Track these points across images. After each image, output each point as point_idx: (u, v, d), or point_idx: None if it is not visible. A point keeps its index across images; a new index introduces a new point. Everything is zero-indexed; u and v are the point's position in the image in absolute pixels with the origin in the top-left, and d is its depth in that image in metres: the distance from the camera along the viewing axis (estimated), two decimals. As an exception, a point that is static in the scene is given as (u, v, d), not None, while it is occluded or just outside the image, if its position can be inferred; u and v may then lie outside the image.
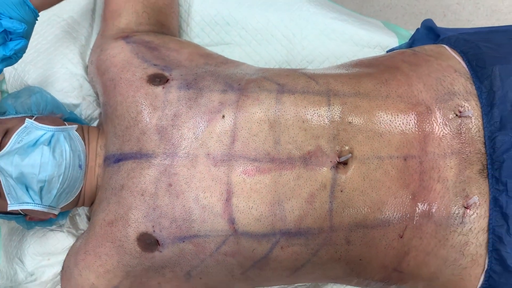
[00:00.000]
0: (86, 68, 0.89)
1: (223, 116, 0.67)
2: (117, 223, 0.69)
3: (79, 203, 0.80)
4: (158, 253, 0.68)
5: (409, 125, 0.65)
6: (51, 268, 0.84)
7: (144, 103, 0.71)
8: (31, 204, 0.73)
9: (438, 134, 0.64)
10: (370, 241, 0.65)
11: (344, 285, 0.87)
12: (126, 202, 0.69)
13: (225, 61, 0.80)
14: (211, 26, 0.94)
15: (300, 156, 0.65)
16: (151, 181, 0.67)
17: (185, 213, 0.66)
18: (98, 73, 0.79)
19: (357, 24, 0.91)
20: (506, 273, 0.62)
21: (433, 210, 0.64)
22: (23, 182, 0.71)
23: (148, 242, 0.68)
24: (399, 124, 0.65)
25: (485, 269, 0.64)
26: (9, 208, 0.73)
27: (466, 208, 0.63)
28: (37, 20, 0.75)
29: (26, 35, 0.72)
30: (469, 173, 0.63)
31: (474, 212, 0.63)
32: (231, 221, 0.65)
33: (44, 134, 0.74)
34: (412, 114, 0.65)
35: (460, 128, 0.64)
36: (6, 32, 0.70)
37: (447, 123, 0.65)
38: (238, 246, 0.66)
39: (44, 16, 0.91)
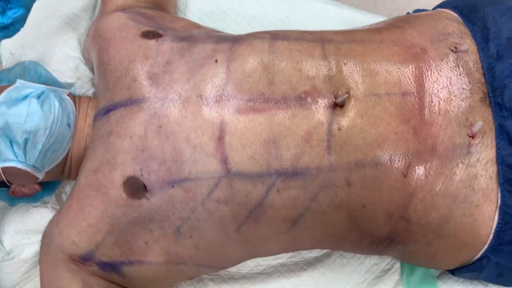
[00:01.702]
0: (83, 52, 0.90)
1: (216, 61, 0.66)
2: (103, 168, 0.65)
3: (65, 171, 0.77)
4: (145, 201, 0.63)
5: (405, 63, 0.64)
6: (31, 246, 0.79)
7: (136, 53, 0.70)
8: (15, 161, 0.69)
9: (435, 70, 0.63)
10: (372, 182, 0.61)
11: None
12: (113, 147, 0.65)
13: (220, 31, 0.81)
14: (208, 15, 0.96)
15: (296, 96, 0.63)
16: (141, 124, 0.65)
17: (175, 154, 0.62)
18: (93, 39, 0.79)
19: (351, 8, 0.94)
20: None
21: (437, 144, 0.60)
22: (8, 135, 0.68)
23: (135, 187, 0.63)
24: (395, 63, 0.64)
25: (499, 205, 0.59)
26: None
27: (471, 137, 0.60)
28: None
29: (25, 6, 0.73)
30: (471, 102, 0.61)
31: (480, 141, 0.59)
32: (224, 160, 0.61)
33: (34, 91, 0.72)
34: (408, 55, 0.65)
35: (457, 63, 0.63)
36: (6, 1, 0.72)
37: (444, 59, 0.64)
38: (231, 190, 0.62)
39: (45, 10, 0.94)
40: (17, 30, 0.76)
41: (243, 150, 0.61)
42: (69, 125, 0.73)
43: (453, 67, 0.63)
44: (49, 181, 0.80)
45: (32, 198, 0.81)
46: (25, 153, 0.70)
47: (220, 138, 0.62)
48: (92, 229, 0.66)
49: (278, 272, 0.76)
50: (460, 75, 0.62)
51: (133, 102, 0.67)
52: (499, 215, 0.60)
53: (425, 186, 0.61)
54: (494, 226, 0.61)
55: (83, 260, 0.67)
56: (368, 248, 0.70)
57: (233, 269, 0.77)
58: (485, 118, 0.60)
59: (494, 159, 0.60)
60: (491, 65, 0.62)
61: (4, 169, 0.71)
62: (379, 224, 0.64)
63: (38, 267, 0.77)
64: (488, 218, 0.60)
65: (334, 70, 0.63)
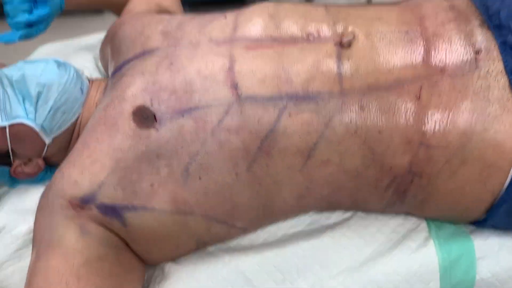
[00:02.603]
0: (99, 57, 0.96)
1: (225, 17, 0.71)
2: (112, 102, 0.65)
3: (71, 145, 0.76)
4: (154, 132, 0.62)
5: (406, 11, 0.69)
6: (26, 224, 0.73)
7: (151, 21, 0.75)
8: (24, 118, 0.70)
9: (433, 12, 0.67)
10: (385, 106, 0.61)
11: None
12: (124, 84, 0.66)
13: None
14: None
15: (303, 35, 0.66)
16: (152, 64, 0.67)
17: (186, 85, 0.63)
18: (109, 33, 0.85)
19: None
20: None
21: (445, 65, 0.62)
22: (21, 90, 0.70)
23: (144, 116, 0.63)
24: (396, 11, 0.69)
25: None
26: (1, 124, 0.69)
27: (477, 53, 0.61)
28: (61, 11, 0.86)
29: (51, 8, 0.81)
30: (471, 28, 0.64)
31: (486, 56, 0.61)
32: (234, 86, 0.62)
33: (53, 58, 0.76)
34: (408, 6, 0.70)
35: (453, 5, 0.68)
36: (33, 1, 0.81)
37: (439, 5, 0.69)
38: (242, 116, 0.61)
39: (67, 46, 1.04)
40: (40, 30, 0.83)
41: (252, 75, 0.62)
42: (82, 90, 0.75)
43: (449, 8, 0.67)
44: (53, 164, 0.78)
45: (34, 180, 0.78)
46: (36, 109, 0.70)
47: (230, 68, 0.63)
48: (96, 166, 0.62)
49: (295, 237, 0.69)
50: (457, 12, 0.66)
51: (145, 53, 0.70)
52: (521, 123, 0.58)
53: (440, 105, 0.61)
54: (518, 136, 0.58)
55: (83, 202, 0.62)
56: (390, 195, 0.65)
57: (245, 241, 0.70)
58: (487, 38, 0.63)
59: (503, 71, 0.60)
60: (483, 1, 0.67)
61: (12, 130, 0.70)
62: (397, 153, 0.62)
63: (30, 247, 0.70)
64: (510, 128, 0.58)
65: (338, 17, 0.67)
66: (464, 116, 0.60)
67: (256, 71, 0.63)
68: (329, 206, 0.70)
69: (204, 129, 0.62)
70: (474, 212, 0.66)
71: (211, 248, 0.71)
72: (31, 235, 0.70)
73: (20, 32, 0.79)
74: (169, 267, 0.69)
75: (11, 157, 0.74)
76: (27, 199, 0.76)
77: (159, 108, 0.63)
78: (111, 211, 0.63)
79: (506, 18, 0.63)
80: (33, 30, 0.81)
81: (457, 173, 0.62)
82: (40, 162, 0.76)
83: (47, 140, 0.73)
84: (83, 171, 0.63)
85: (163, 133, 0.63)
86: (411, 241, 0.67)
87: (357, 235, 0.69)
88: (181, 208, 0.64)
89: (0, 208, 0.75)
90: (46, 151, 0.74)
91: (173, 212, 0.64)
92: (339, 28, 0.66)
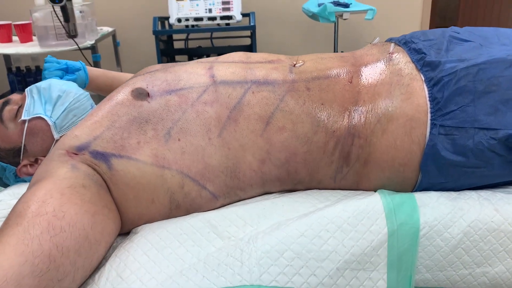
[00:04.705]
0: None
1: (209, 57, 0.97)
2: (117, 91, 0.84)
3: None
4: (146, 103, 0.80)
5: (345, 55, 0.95)
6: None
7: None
8: (43, 114, 0.89)
9: (363, 50, 0.93)
10: (326, 87, 0.82)
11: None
12: (128, 82, 0.87)
13: None
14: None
15: (266, 61, 0.91)
16: (152, 73, 0.89)
17: (175, 77, 0.85)
18: None
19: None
20: (437, 68, 0.76)
21: (368, 61, 0.85)
22: (45, 95, 0.91)
23: (140, 92, 0.81)
24: (337, 55, 0.95)
25: (423, 79, 0.77)
26: (23, 118, 0.88)
27: (390, 54, 0.85)
28: (85, 86, 1.15)
29: (77, 76, 1.11)
30: (387, 46, 0.89)
31: (397, 55, 0.84)
32: (211, 76, 0.84)
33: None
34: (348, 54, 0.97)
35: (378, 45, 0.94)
36: (65, 70, 1.11)
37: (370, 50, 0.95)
38: (216, 94, 0.81)
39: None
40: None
41: (226, 70, 0.84)
42: (91, 106, 0.95)
43: (374, 45, 0.93)
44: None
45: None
46: (53, 108, 0.89)
47: (210, 68, 0.86)
48: (95, 124, 0.78)
49: (258, 199, 0.78)
50: (380, 45, 0.92)
51: (147, 72, 0.92)
52: (428, 87, 0.76)
53: (366, 84, 0.80)
54: (427, 94, 0.75)
55: (78, 150, 0.75)
56: (337, 158, 0.78)
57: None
58: (398, 48, 0.86)
59: (410, 60, 0.82)
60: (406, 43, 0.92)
61: (30, 124, 0.88)
62: (338, 118, 0.78)
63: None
64: (420, 89, 0.77)
65: (294, 57, 0.93)
66: (385, 87, 0.79)
67: (229, 68, 0.85)
68: (288, 176, 0.80)
69: (186, 102, 0.80)
70: (409, 168, 0.76)
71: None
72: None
73: None
74: (141, 227, 0.75)
75: (21, 154, 0.89)
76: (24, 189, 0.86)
77: (152, 89, 0.82)
78: (101, 156, 0.74)
79: (410, 37, 0.88)
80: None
81: (387, 130, 0.76)
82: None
83: (56, 136, 0.88)
84: (83, 128, 0.78)
85: (153, 104, 0.80)
86: (359, 197, 0.75)
87: (312, 197, 0.77)
88: (160, 163, 0.76)
89: (2, 191, 0.85)
90: (56, 139, 0.89)
91: (153, 164, 0.75)
92: (294, 59, 0.90)
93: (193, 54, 2.59)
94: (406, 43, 0.87)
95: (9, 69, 2.55)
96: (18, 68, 2.54)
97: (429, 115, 0.75)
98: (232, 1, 2.33)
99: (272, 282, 0.65)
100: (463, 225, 0.71)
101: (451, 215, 0.71)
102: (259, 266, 0.65)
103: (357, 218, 0.70)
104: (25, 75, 2.50)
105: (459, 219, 0.71)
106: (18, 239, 0.60)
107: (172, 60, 2.64)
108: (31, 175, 0.90)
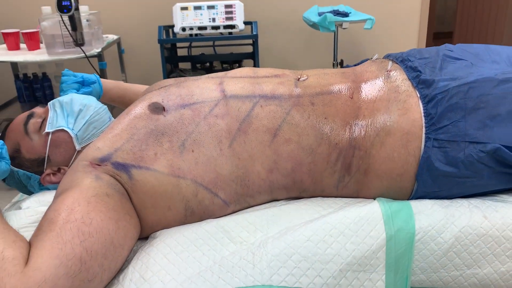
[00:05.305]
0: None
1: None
2: (134, 104, 0.90)
3: None
4: (162, 117, 0.87)
5: (346, 71, 1.02)
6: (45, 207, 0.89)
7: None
8: (65, 126, 0.95)
9: (363, 67, 1.00)
10: (329, 102, 0.89)
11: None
12: (144, 97, 0.93)
13: None
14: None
15: (272, 75, 0.98)
16: (166, 88, 0.95)
17: (188, 92, 0.92)
18: None
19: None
20: (431, 86, 0.83)
21: (367, 78, 0.92)
22: (67, 109, 0.97)
23: (156, 107, 0.88)
24: (338, 71, 1.02)
25: (419, 96, 0.84)
26: (46, 130, 0.95)
27: (388, 71, 0.91)
28: (99, 98, 1.22)
29: (93, 88, 1.18)
30: (386, 63, 0.95)
31: (394, 72, 0.91)
32: (222, 90, 0.91)
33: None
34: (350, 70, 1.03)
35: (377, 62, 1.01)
36: (81, 83, 1.17)
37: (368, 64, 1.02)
38: (226, 107, 0.88)
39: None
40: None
41: (235, 85, 0.91)
42: (110, 118, 1.01)
43: (373, 62, 1.00)
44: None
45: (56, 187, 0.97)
46: (75, 121, 0.95)
47: (220, 83, 0.92)
48: (116, 137, 0.84)
49: (267, 207, 0.85)
50: (379, 61, 0.99)
51: (161, 87, 0.99)
52: (422, 103, 0.83)
53: (366, 100, 0.87)
54: (422, 110, 0.82)
55: (101, 161, 0.81)
56: (339, 168, 0.84)
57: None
58: (395, 66, 0.93)
59: (406, 78, 0.88)
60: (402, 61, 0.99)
61: (53, 136, 0.94)
62: (340, 132, 0.85)
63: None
64: (415, 105, 0.83)
65: (298, 72, 1.00)
66: (383, 103, 0.85)
67: (238, 84, 0.92)
68: (294, 184, 0.87)
69: (199, 116, 0.86)
70: (406, 178, 0.83)
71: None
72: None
73: None
74: (159, 232, 0.82)
75: (45, 164, 0.95)
76: (50, 197, 0.92)
77: (167, 104, 0.89)
78: (122, 167, 0.81)
79: (406, 55, 0.95)
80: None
81: (385, 143, 0.83)
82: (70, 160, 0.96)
83: (78, 147, 0.95)
84: (105, 141, 0.84)
85: (168, 118, 0.86)
86: (359, 204, 0.82)
87: (317, 204, 0.84)
88: (175, 173, 0.82)
89: (28, 198, 0.92)
90: (72, 162, 0.95)
91: (169, 174, 0.82)
92: (298, 74, 0.97)
93: (196, 61, 2.66)
94: (403, 60, 0.94)
95: (16, 76, 2.62)
96: (25, 75, 2.60)
97: (424, 129, 0.82)
98: (235, 11, 2.40)
99: (282, 283, 0.72)
100: (455, 231, 0.77)
101: (443, 221, 0.78)
102: (270, 268, 0.72)
103: (358, 224, 0.76)
104: (32, 81, 2.56)
105: (451, 225, 0.78)
106: (52, 244, 0.66)
107: (175, 67, 2.70)
108: (54, 183, 0.96)
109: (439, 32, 4.77)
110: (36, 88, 2.58)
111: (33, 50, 2.39)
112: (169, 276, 0.71)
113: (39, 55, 2.26)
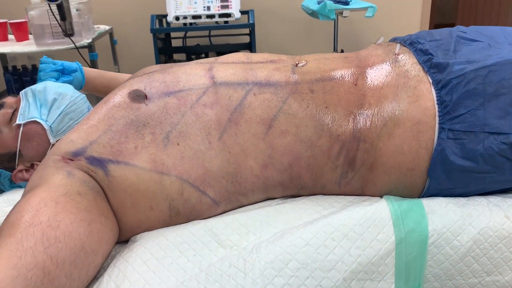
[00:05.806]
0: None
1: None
2: (114, 93, 0.81)
3: None
4: (144, 106, 0.77)
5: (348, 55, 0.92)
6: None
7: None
8: (38, 118, 0.86)
9: (367, 50, 0.91)
10: (330, 90, 0.79)
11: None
12: (125, 83, 0.84)
13: None
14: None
15: (267, 60, 0.88)
16: (150, 73, 0.86)
17: (174, 79, 0.82)
18: None
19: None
20: (445, 70, 0.74)
21: (374, 63, 0.82)
22: (40, 98, 0.88)
23: (137, 94, 0.79)
24: (341, 55, 0.92)
25: (431, 82, 0.75)
26: (17, 122, 0.85)
27: (396, 55, 0.82)
28: (81, 87, 1.12)
29: (73, 77, 1.08)
30: (393, 46, 0.86)
31: (403, 56, 0.81)
32: (211, 77, 0.82)
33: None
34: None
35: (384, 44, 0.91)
36: (61, 71, 1.08)
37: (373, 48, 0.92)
38: (216, 95, 0.78)
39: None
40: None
41: (226, 71, 0.82)
42: (88, 108, 0.92)
43: (379, 45, 0.90)
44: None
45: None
46: (49, 112, 0.86)
47: (209, 69, 0.83)
48: (92, 129, 0.75)
49: (261, 206, 0.75)
50: (386, 45, 0.89)
51: (145, 73, 0.89)
52: (435, 89, 0.74)
53: (371, 86, 0.78)
54: (435, 97, 0.73)
55: (74, 155, 0.72)
56: (342, 163, 0.75)
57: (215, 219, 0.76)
58: (404, 49, 0.84)
59: (416, 62, 0.79)
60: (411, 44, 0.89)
61: (25, 128, 0.85)
62: (343, 122, 0.75)
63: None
64: (427, 92, 0.74)
65: (296, 57, 0.90)
66: (391, 90, 0.76)
67: (229, 69, 0.82)
68: (291, 181, 0.78)
69: (185, 105, 0.77)
70: (417, 173, 0.74)
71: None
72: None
73: None
74: (140, 235, 0.73)
75: (17, 159, 0.86)
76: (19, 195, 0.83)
77: (150, 91, 0.79)
78: (97, 162, 0.72)
79: (415, 37, 0.85)
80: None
81: (393, 134, 0.74)
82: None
83: (52, 140, 0.86)
84: (79, 132, 0.75)
85: (151, 107, 0.77)
86: (365, 203, 0.73)
87: (317, 203, 0.75)
88: (158, 168, 0.73)
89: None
90: (51, 143, 0.86)
91: (151, 170, 0.73)
92: (296, 59, 0.87)
93: (191, 52, 2.56)
94: (412, 43, 0.84)
95: (5, 68, 2.52)
96: (14, 67, 2.50)
97: (437, 118, 0.72)
98: (230, -1, 2.30)
99: (277, 294, 0.63)
100: (473, 233, 0.68)
101: (460, 222, 0.69)
102: (263, 277, 0.63)
103: (363, 226, 0.67)
104: (21, 74, 2.46)
105: (469, 226, 0.69)
106: (10, 252, 0.57)
107: (170, 58, 2.61)
108: (27, 180, 0.87)
109: (440, 24, 4.67)
110: (25, 80, 2.49)
111: (21, 41, 2.29)
112: (148, 286, 0.62)
113: (27, 46, 2.17)
